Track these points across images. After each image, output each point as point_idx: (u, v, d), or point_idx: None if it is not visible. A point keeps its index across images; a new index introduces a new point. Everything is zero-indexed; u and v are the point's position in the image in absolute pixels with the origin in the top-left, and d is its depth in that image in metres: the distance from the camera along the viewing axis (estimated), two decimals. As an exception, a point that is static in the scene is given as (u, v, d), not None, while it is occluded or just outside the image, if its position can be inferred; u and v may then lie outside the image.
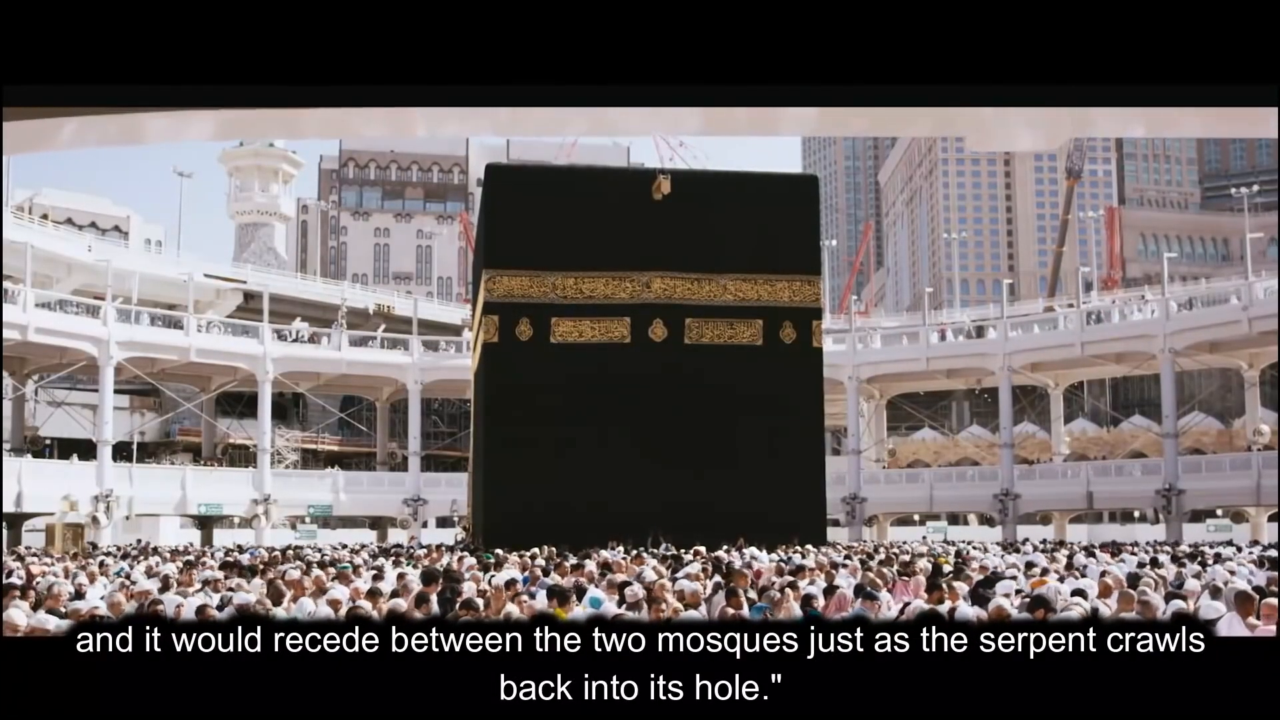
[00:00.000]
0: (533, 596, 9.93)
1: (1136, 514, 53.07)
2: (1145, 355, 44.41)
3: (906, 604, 9.35)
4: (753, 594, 11.01)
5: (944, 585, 10.28)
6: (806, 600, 9.63)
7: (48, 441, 50.18)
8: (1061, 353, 46.72)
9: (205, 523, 48.66)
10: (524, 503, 26.92)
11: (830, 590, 10.81)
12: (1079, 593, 10.03)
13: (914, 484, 49.73)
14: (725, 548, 20.97)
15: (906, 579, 13.05)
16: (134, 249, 65.64)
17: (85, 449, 43.87)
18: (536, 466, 27.60)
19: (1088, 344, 45.42)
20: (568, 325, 29.21)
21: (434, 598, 9.23)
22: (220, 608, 9.10)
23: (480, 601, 8.98)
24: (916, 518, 51.78)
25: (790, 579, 11.67)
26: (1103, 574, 12.16)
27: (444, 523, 49.00)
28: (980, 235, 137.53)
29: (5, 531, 39.59)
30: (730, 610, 8.65)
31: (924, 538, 40.96)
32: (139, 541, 37.06)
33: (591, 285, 29.36)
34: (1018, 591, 10.77)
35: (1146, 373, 48.10)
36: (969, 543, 28.43)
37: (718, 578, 12.47)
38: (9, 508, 37.89)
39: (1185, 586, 11.02)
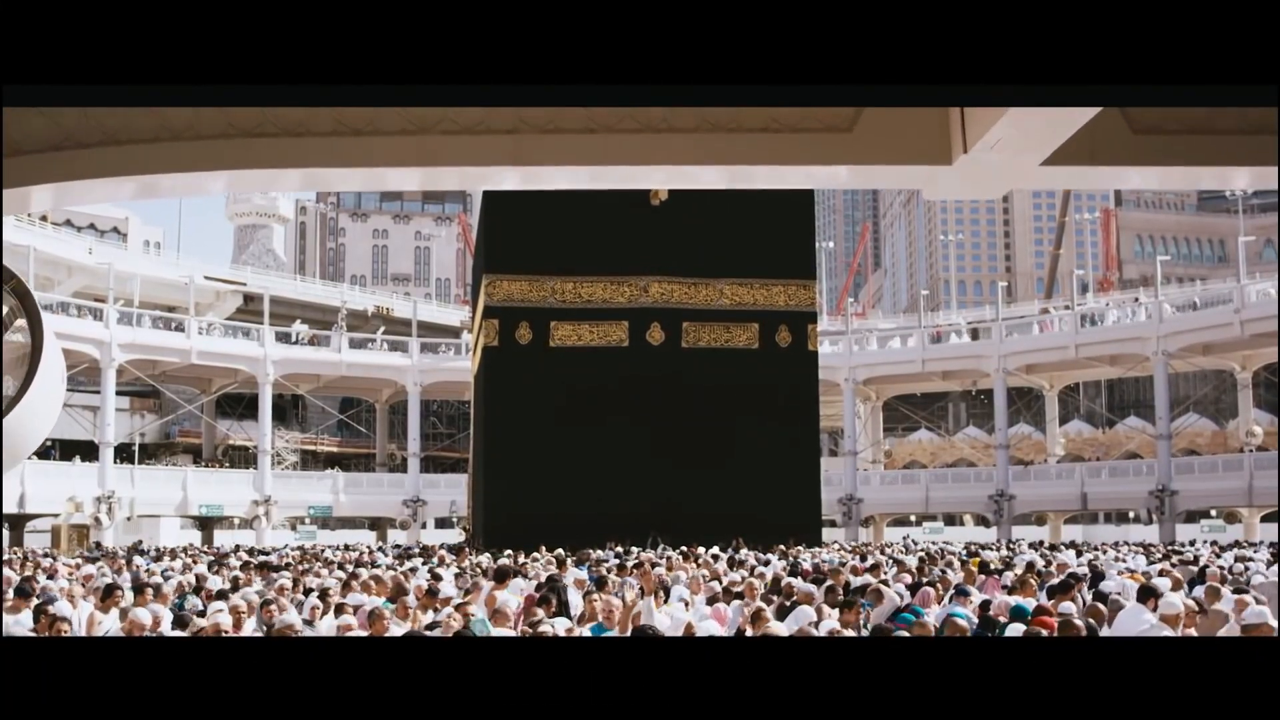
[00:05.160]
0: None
1: (1131, 514, 53.13)
2: (1139, 357, 44.55)
3: (988, 601, 9.40)
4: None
5: (1074, 591, 10.27)
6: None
7: (50, 443, 50.10)
8: (1056, 355, 46.92)
9: (206, 523, 48.77)
10: (524, 504, 27.10)
11: (915, 588, 10.90)
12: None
13: (910, 485, 49.85)
14: (720, 546, 21.09)
15: (997, 577, 13.23)
16: (133, 251, 65.53)
17: (87, 450, 43.83)
18: (536, 468, 27.80)
19: (1082, 346, 45.63)
20: (567, 329, 29.35)
21: (554, 601, 9.19)
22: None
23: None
24: (913, 518, 51.81)
25: (882, 578, 11.91)
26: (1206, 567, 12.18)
27: (443, 523, 49.08)
28: (977, 237, 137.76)
29: (8, 532, 39.57)
30: (827, 608, 8.68)
31: (904, 537, 40.99)
32: (139, 542, 37.00)
33: (590, 290, 29.48)
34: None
35: (1140, 374, 48.20)
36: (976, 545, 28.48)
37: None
38: (12, 509, 37.89)
39: (1254, 583, 11.11)
